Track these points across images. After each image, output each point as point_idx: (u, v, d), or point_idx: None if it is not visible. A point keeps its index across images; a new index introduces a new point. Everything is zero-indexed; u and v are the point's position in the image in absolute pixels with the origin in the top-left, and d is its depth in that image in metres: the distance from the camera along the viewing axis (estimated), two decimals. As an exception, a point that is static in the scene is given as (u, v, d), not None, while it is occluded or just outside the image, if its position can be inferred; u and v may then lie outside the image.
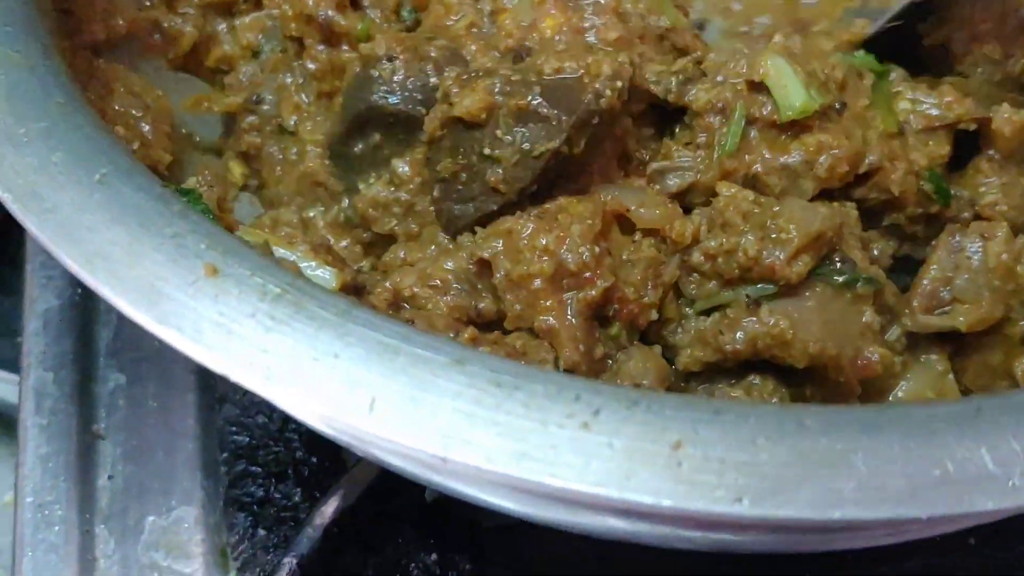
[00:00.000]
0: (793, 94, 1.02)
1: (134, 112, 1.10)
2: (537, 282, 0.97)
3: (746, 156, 1.04)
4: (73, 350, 1.34)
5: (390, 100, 1.07)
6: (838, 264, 1.01)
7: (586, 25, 1.09)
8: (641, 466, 0.68)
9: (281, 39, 1.23)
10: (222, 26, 1.26)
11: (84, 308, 1.37)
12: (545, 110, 0.99)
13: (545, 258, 0.97)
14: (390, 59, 1.08)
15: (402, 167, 1.08)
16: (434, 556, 1.14)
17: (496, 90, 1.00)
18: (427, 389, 0.71)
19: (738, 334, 0.99)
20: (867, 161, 1.05)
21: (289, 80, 1.22)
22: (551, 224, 0.98)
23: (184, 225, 0.78)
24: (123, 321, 1.32)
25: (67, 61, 0.97)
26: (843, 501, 0.67)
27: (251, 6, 1.26)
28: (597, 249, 0.98)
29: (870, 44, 1.14)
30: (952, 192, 1.09)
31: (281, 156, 1.19)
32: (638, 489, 0.67)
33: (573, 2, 1.10)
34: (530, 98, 1.00)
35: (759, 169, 1.04)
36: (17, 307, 1.97)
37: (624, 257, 1.02)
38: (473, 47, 1.09)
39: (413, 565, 1.14)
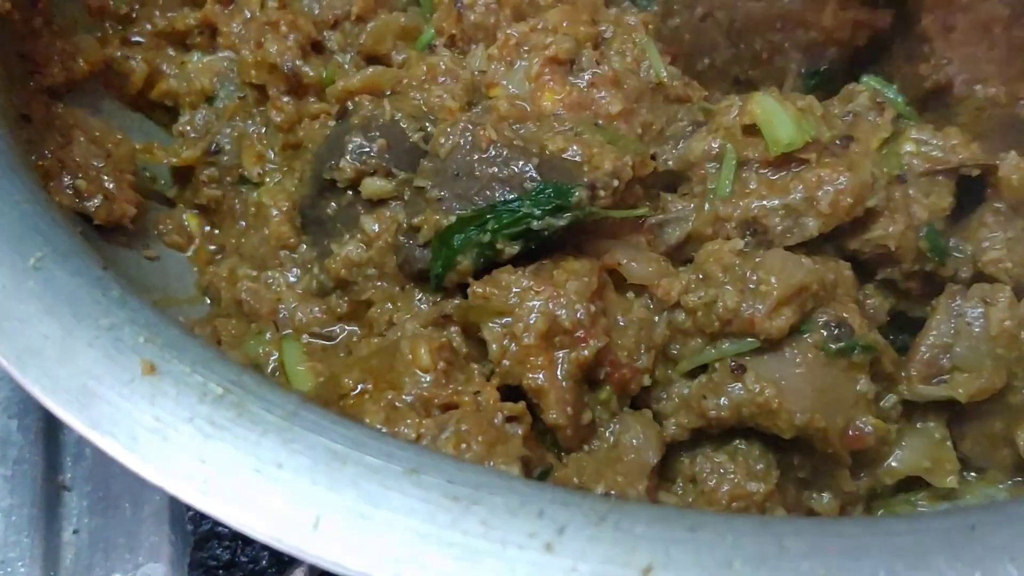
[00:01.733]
0: (780, 128, 0.99)
1: (95, 163, 1.05)
2: (529, 338, 0.92)
3: (742, 201, 1.00)
4: (39, 396, 1.29)
5: (368, 163, 1.02)
6: (834, 330, 0.96)
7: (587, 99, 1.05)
8: (607, 596, 0.63)
9: (240, 85, 1.18)
10: (166, 67, 1.21)
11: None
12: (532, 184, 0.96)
13: (539, 315, 0.92)
14: (366, 131, 1.02)
15: (371, 225, 1.03)
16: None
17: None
18: (377, 504, 0.66)
19: (722, 400, 0.95)
20: (874, 199, 1.00)
21: (251, 129, 1.17)
22: (546, 280, 0.94)
23: (122, 315, 0.74)
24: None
25: (15, 116, 0.92)
26: (826, 641, 0.62)
27: (205, 39, 1.22)
28: (592, 308, 0.94)
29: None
30: (952, 246, 1.04)
31: (243, 212, 1.13)
32: (604, 625, 0.62)
33: (572, 75, 1.05)
34: (534, 165, 0.96)
35: (756, 212, 0.99)
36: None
37: (619, 318, 0.98)
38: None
39: (387, 633, 1.09)
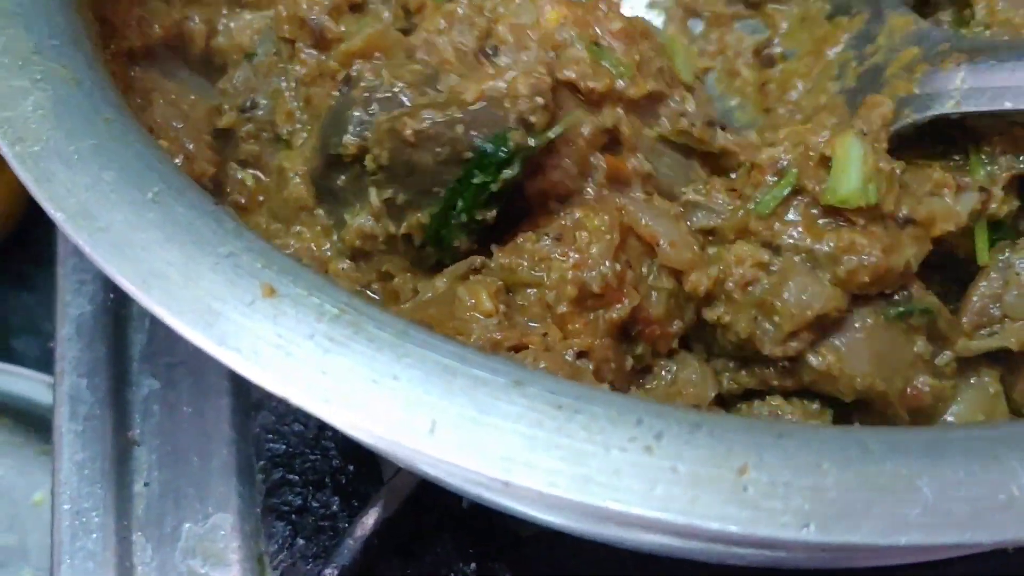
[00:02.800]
0: (845, 181, 0.97)
1: (175, 124, 1.09)
2: (563, 307, 0.96)
3: (776, 224, 0.99)
4: (107, 355, 1.34)
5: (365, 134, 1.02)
6: (894, 296, 0.99)
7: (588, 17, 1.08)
8: (706, 491, 0.67)
9: (275, 41, 1.20)
10: (221, 25, 1.23)
11: (117, 313, 1.37)
12: (479, 142, 0.97)
13: (568, 284, 0.96)
14: (366, 104, 1.02)
15: (375, 198, 1.04)
16: (473, 566, 1.14)
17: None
18: (487, 411, 0.70)
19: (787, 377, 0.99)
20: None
21: (284, 85, 1.19)
22: (570, 244, 0.98)
23: (239, 244, 0.78)
24: (156, 326, 1.33)
25: (110, 73, 0.97)
26: (909, 527, 0.67)
27: None
28: (618, 266, 0.97)
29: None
30: None
31: (269, 172, 1.17)
32: (704, 515, 0.67)
33: None
34: (461, 132, 0.97)
35: (782, 243, 0.99)
36: (42, 304, 1.99)
37: (644, 270, 1.02)
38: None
39: (453, 573, 1.13)
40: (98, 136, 0.84)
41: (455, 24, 1.08)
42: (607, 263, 0.96)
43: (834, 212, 0.98)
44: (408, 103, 1.00)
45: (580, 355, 0.95)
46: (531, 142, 0.97)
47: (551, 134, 0.99)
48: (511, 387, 0.71)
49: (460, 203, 0.98)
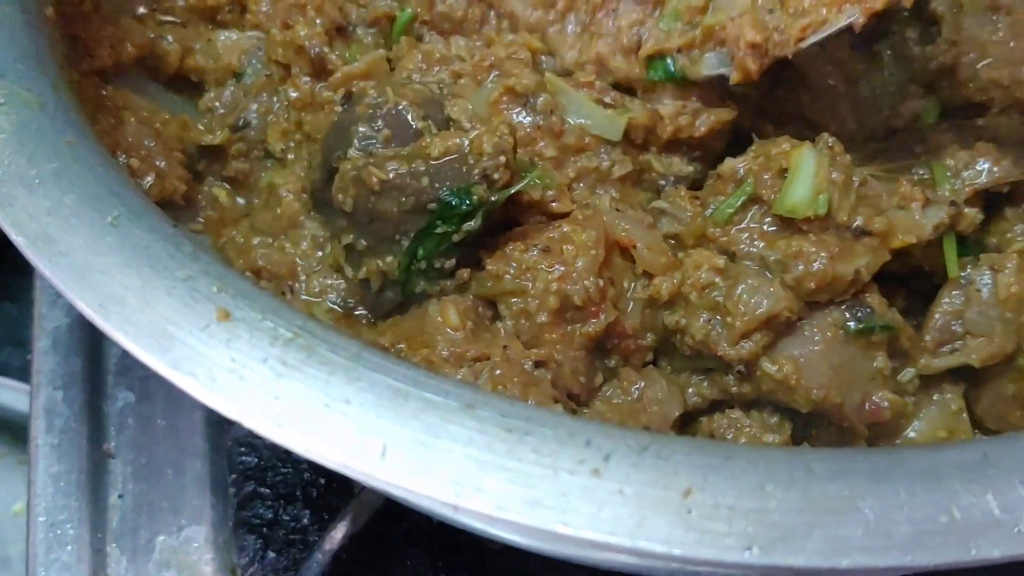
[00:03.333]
0: (795, 192, 0.99)
1: (147, 142, 1.10)
2: (543, 316, 0.98)
3: (732, 230, 1.02)
4: (82, 368, 1.35)
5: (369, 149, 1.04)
6: (856, 311, 1.00)
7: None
8: (652, 513, 0.68)
9: (266, 63, 1.21)
10: (196, 44, 1.24)
11: (93, 326, 1.36)
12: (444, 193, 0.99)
13: (551, 295, 0.98)
14: (371, 120, 1.04)
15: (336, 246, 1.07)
16: (443, 577, 1.15)
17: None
18: (438, 435, 0.71)
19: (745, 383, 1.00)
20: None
21: (276, 105, 1.20)
22: (557, 257, 0.99)
23: (196, 267, 0.79)
24: (131, 339, 1.33)
25: (77, 93, 0.97)
26: (851, 549, 0.68)
27: (236, 16, 1.26)
28: (600, 282, 0.99)
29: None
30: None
31: (257, 189, 1.19)
32: (649, 537, 0.68)
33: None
34: (426, 183, 0.99)
35: (737, 249, 1.02)
36: (24, 315, 1.99)
37: (625, 285, 1.03)
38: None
39: (422, 587, 1.14)
40: (60, 159, 0.85)
41: (432, 65, 1.12)
42: (591, 278, 0.98)
43: (788, 221, 1.01)
44: (412, 122, 1.02)
45: (538, 364, 0.97)
46: (493, 198, 0.99)
47: (512, 190, 1.01)
48: (462, 410, 0.72)
49: (421, 251, 1.00)
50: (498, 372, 0.94)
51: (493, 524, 0.70)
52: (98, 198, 0.83)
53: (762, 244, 1.00)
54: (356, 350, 0.75)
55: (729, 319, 0.98)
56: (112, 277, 0.78)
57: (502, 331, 1.00)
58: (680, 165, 1.12)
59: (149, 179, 1.08)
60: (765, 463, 0.71)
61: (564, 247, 1.00)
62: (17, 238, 0.80)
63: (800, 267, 0.97)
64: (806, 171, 0.99)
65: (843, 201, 1.00)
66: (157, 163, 1.10)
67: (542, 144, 1.07)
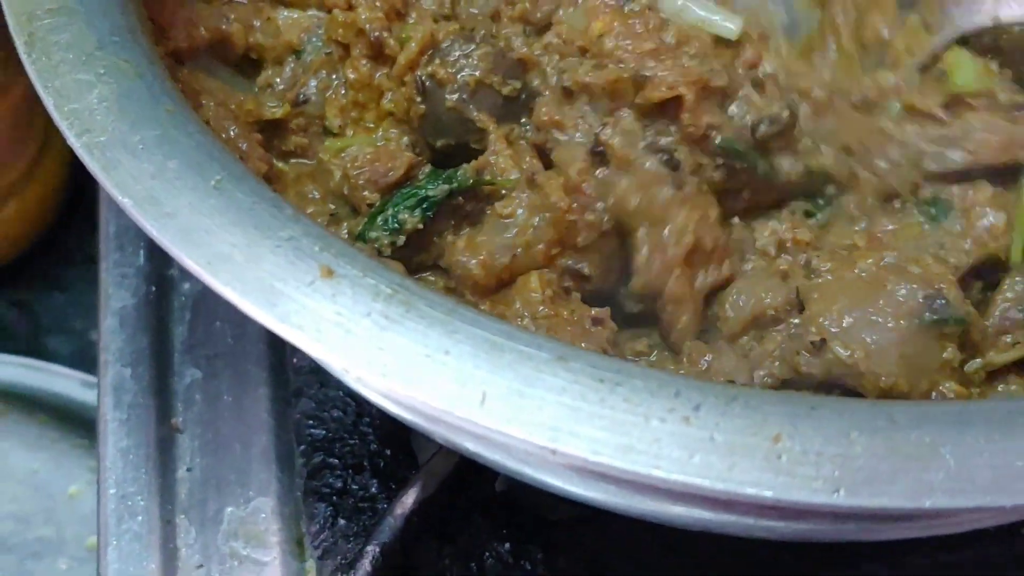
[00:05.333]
0: (963, 71, 1.13)
1: (226, 124, 1.12)
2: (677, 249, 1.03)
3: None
4: (149, 346, 1.38)
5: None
6: (932, 301, 1.00)
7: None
8: (742, 459, 0.71)
9: (326, 41, 1.23)
10: (256, 22, 1.26)
11: (159, 305, 1.41)
12: None
13: (689, 233, 1.03)
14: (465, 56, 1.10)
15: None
16: (507, 546, 1.17)
17: None
18: (533, 384, 0.74)
19: (815, 358, 1.01)
20: None
21: (336, 82, 1.22)
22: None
23: (298, 228, 0.82)
24: (196, 319, 1.38)
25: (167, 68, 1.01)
26: (933, 491, 0.70)
27: None
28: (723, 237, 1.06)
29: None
30: None
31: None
32: (741, 481, 0.71)
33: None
34: None
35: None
36: (72, 304, 2.04)
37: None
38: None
39: (487, 554, 1.17)
40: (161, 126, 0.88)
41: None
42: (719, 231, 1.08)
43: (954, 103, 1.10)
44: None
45: (595, 322, 1.02)
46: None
47: None
48: (555, 362, 0.75)
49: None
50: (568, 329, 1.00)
51: (588, 469, 0.73)
52: (200, 163, 0.86)
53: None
54: (452, 306, 0.79)
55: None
56: (218, 236, 0.81)
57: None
58: None
59: (234, 159, 1.11)
60: (850, 413, 0.74)
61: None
62: (124, 200, 0.83)
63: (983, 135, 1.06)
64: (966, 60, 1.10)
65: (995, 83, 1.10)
66: (240, 145, 1.12)
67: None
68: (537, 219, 1.05)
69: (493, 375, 0.75)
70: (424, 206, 1.08)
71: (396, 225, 1.08)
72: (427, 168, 1.13)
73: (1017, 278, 1.05)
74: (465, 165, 1.10)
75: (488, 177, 1.08)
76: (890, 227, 1.08)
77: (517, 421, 0.73)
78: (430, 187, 1.09)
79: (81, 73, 0.92)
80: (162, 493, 1.28)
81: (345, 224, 1.13)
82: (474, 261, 1.05)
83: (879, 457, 0.71)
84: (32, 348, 2.00)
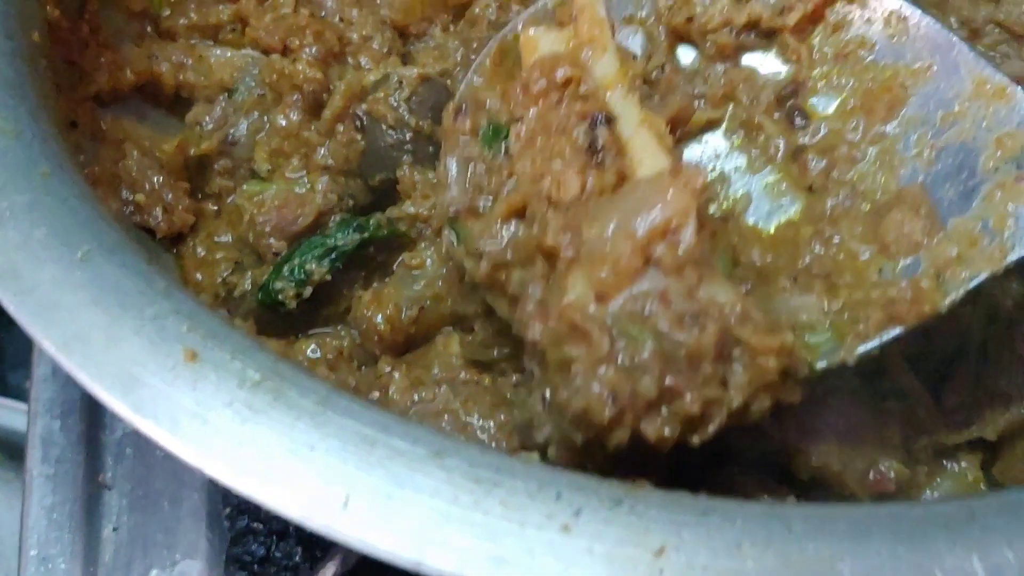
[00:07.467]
0: None
1: (151, 175, 1.08)
2: None
3: None
4: (81, 397, 1.33)
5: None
6: (876, 380, 0.95)
7: None
8: (621, 574, 0.66)
9: (260, 83, 1.19)
10: (187, 60, 1.21)
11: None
12: None
13: None
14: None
15: None
16: (434, 619, 1.12)
17: None
18: (404, 484, 0.69)
19: None
20: None
21: (268, 126, 1.17)
22: None
23: (166, 305, 0.77)
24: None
25: (64, 121, 0.96)
26: (829, 613, 0.65)
27: (237, 35, 1.23)
28: None
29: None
30: None
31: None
32: (616, 601, 0.65)
33: None
34: None
35: None
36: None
37: None
38: None
39: (412, 628, 1.12)
40: (33, 191, 0.83)
41: None
42: None
43: None
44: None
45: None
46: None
47: None
48: (430, 458, 0.70)
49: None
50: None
51: (458, 579, 0.67)
52: (69, 232, 0.81)
53: None
54: (325, 393, 0.73)
55: None
56: (78, 315, 0.76)
57: None
58: None
59: (157, 213, 1.06)
60: (742, 519, 0.68)
61: None
62: (-17, 273, 0.78)
63: None
64: None
65: None
66: (164, 196, 1.08)
67: None
68: (445, 269, 1.00)
69: (360, 474, 0.70)
70: (332, 256, 1.03)
71: (303, 276, 1.02)
72: (338, 217, 1.07)
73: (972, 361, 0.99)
74: (379, 214, 1.05)
75: (402, 227, 1.03)
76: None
77: (381, 529, 0.68)
78: (340, 236, 1.04)
79: (-48, 132, 0.87)
80: (86, 554, 1.23)
81: (249, 274, 1.07)
82: (380, 316, 1.00)
83: (771, 572, 0.66)
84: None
